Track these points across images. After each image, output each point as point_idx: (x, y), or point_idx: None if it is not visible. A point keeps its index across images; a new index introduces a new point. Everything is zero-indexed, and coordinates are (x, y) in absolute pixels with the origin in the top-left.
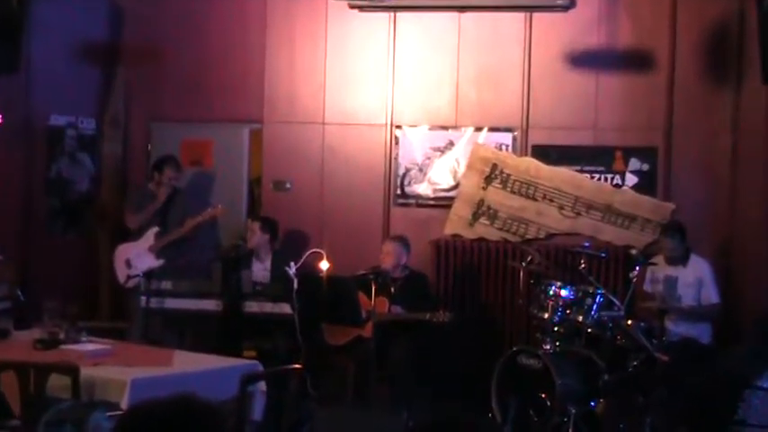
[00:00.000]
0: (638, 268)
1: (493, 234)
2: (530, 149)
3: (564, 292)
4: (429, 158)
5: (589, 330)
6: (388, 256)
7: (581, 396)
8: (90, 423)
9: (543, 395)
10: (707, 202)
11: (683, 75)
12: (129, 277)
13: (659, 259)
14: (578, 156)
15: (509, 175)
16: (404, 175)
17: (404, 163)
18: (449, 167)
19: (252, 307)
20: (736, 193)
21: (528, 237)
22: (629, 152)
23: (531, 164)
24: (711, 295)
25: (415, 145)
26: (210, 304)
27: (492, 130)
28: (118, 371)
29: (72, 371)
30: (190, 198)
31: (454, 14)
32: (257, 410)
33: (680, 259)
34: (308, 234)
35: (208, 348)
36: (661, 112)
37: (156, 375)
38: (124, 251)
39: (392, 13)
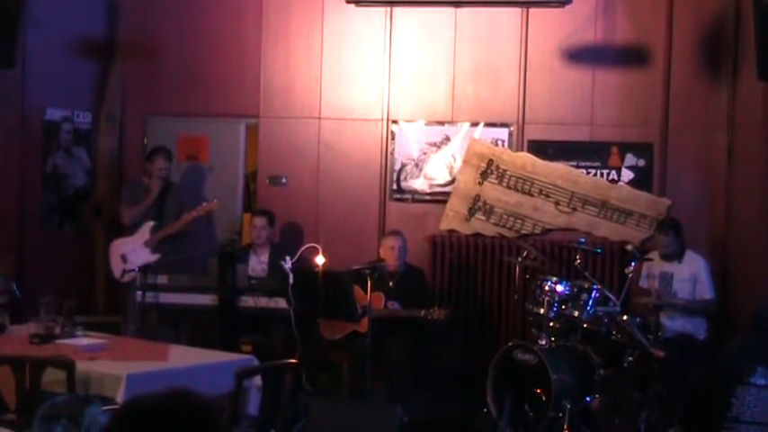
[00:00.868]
0: (633, 264)
1: (489, 229)
2: (526, 145)
3: (560, 288)
4: (425, 154)
5: (585, 326)
6: (394, 251)
7: (576, 391)
8: (85, 417)
9: (539, 390)
10: (703, 197)
11: (680, 71)
12: (124, 272)
13: (655, 255)
14: (574, 151)
15: (505, 170)
16: (400, 170)
17: (400, 158)
18: (445, 163)
19: (247, 302)
20: (731, 189)
21: (524, 232)
22: (625, 148)
23: (528, 159)
24: (706, 291)
25: (411, 140)
26: (206, 299)
27: (488, 125)
28: (113, 365)
29: (67, 365)
30: (186, 192)
31: (450, 9)
32: (252, 405)
33: (675, 255)
34: (304, 229)
35: (203, 343)
36: (657, 108)
37: (151, 370)
38: (120, 246)
39: (388, 8)
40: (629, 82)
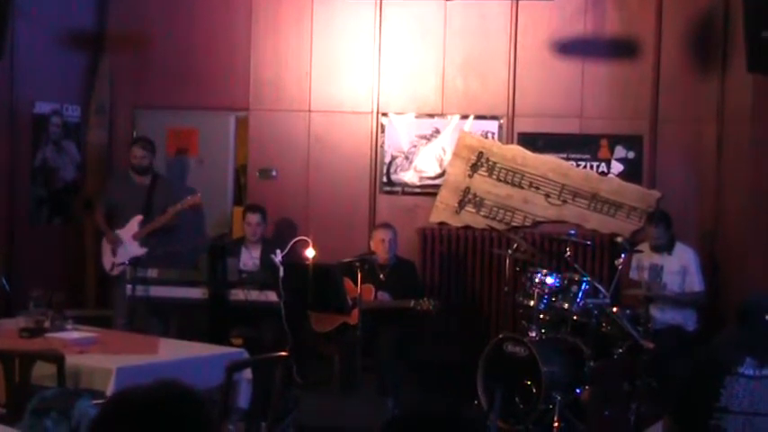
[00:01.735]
0: (623, 256)
1: (479, 222)
2: (516, 137)
3: (550, 280)
4: (415, 146)
5: (575, 318)
6: (384, 243)
7: (567, 383)
8: (75, 411)
9: (529, 382)
10: (692, 189)
11: (669, 63)
12: (113, 265)
13: (645, 247)
14: (564, 144)
15: (495, 162)
16: (390, 163)
17: (390, 151)
18: (435, 155)
19: (238, 295)
20: (721, 181)
21: (514, 224)
22: (614, 140)
23: (518, 152)
24: (696, 283)
25: (401, 133)
26: (197, 292)
27: (478, 117)
28: (103, 359)
29: (57, 359)
30: (176, 186)
31: (440, 2)
32: (243, 398)
33: (665, 247)
34: (294, 222)
35: (194, 337)
36: (647, 101)
37: (141, 363)
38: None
39: (378, 1)
40: (619, 74)
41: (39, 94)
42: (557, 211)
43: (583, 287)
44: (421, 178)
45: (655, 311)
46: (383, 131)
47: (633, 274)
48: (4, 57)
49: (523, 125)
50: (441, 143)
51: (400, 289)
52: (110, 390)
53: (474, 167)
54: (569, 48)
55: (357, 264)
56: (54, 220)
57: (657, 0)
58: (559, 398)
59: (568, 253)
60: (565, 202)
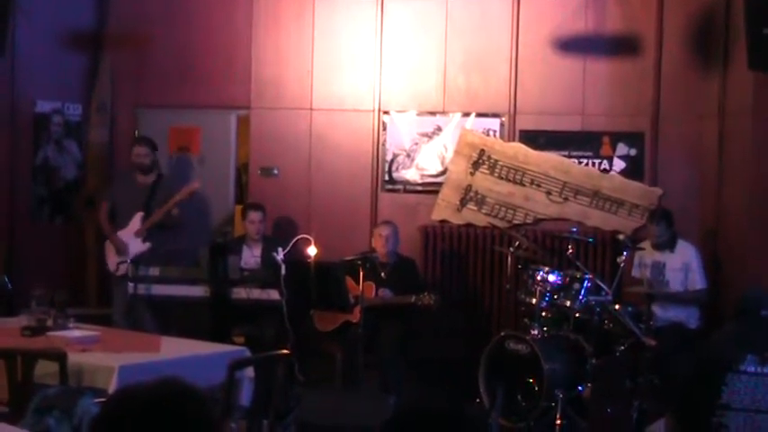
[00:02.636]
0: (625, 253)
1: (480, 219)
2: (517, 135)
3: (552, 278)
4: (417, 144)
5: (577, 315)
6: (383, 239)
7: (568, 381)
8: (78, 409)
9: (531, 380)
10: (694, 186)
11: (671, 60)
12: (118, 264)
13: (647, 244)
14: (566, 141)
15: (497, 160)
16: (391, 161)
17: (391, 149)
18: (436, 153)
19: (240, 293)
20: (722, 178)
21: (516, 222)
22: (616, 137)
23: (519, 149)
24: (698, 280)
25: (402, 130)
26: (198, 290)
27: (480, 115)
28: (106, 357)
29: (59, 357)
30: (176, 184)
31: None
32: (245, 396)
33: (667, 245)
34: (296, 220)
35: (196, 335)
36: (648, 98)
37: (143, 362)
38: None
39: None
40: (620, 71)
41: (40, 93)
42: (558, 208)
43: (585, 284)
44: (422, 176)
45: (657, 308)
46: (385, 129)
47: (635, 272)
48: (5, 56)
49: (525, 122)
50: (442, 141)
51: (402, 287)
52: (112, 388)
53: (475, 165)
54: (571, 45)
55: (359, 262)
56: (55, 218)
57: None
58: (561, 395)
59: (570, 250)
60: (566, 199)
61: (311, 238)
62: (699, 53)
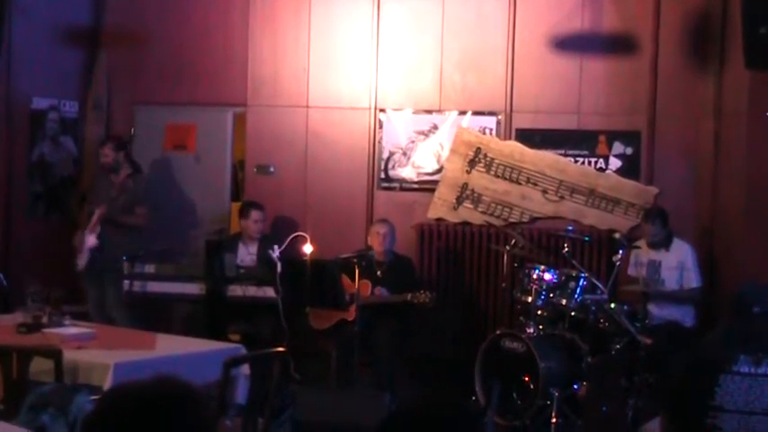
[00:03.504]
0: (621, 252)
1: (476, 218)
2: (513, 133)
3: (547, 276)
4: (413, 142)
5: (572, 314)
6: (379, 237)
7: (564, 379)
8: (73, 406)
9: (526, 378)
10: (690, 185)
11: (667, 59)
12: (77, 260)
13: (642, 243)
14: (562, 140)
15: (493, 158)
16: (387, 159)
17: (387, 147)
18: (432, 151)
19: (236, 291)
20: (718, 177)
21: (511, 220)
22: (612, 136)
23: (515, 148)
24: (693, 279)
25: (398, 128)
26: (194, 288)
27: (476, 113)
28: (101, 354)
29: (55, 354)
30: (171, 182)
31: None
32: (240, 394)
33: (662, 243)
34: (292, 218)
35: (191, 332)
36: (644, 97)
37: (139, 359)
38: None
39: None
40: (617, 70)
41: (36, 90)
42: (554, 207)
43: (580, 283)
44: (419, 174)
45: (652, 307)
46: (381, 127)
47: (631, 270)
48: (1, 52)
49: (521, 121)
50: (438, 139)
51: (398, 285)
52: (107, 385)
53: (472, 163)
54: (567, 44)
55: (355, 260)
56: (51, 215)
57: None
58: (557, 393)
59: (566, 249)
60: (562, 198)
61: (307, 236)
62: (695, 52)
